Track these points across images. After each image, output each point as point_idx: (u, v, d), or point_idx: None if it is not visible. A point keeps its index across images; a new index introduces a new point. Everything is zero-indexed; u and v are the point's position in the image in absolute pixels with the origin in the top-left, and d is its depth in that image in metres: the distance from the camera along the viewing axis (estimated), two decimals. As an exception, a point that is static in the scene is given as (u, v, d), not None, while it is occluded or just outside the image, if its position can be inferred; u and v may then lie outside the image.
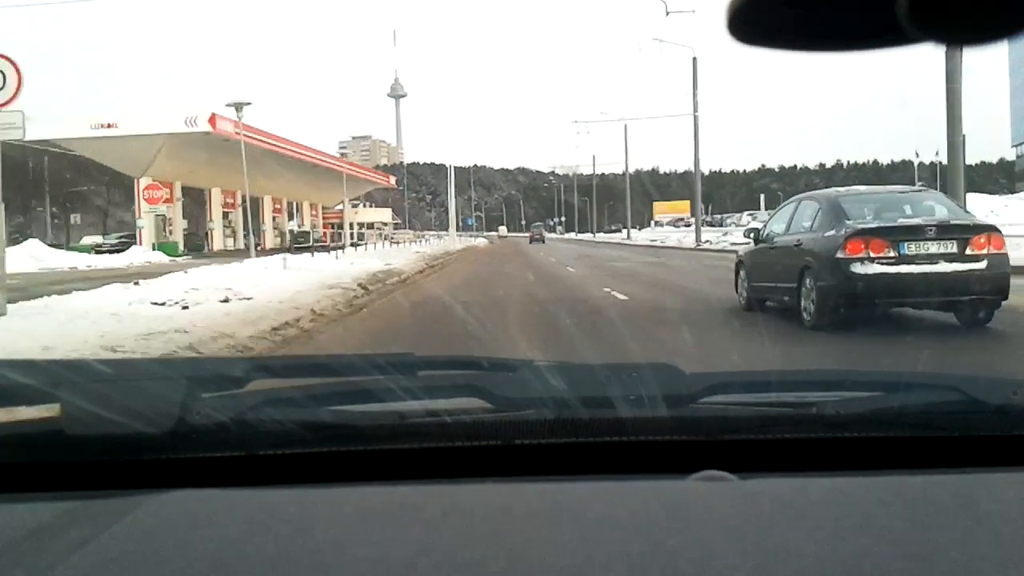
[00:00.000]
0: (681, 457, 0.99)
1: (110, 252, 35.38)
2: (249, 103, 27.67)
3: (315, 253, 23.58)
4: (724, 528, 0.76)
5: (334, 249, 30.22)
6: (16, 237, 36.89)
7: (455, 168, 62.32)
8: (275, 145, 43.80)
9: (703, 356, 5.81)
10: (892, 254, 7.15)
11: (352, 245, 38.98)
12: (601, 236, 72.20)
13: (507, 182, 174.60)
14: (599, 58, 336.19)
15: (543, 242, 55.83)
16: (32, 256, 27.77)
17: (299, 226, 57.04)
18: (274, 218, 55.82)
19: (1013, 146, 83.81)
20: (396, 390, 1.06)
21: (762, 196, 53.34)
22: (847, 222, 7.50)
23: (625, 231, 62.12)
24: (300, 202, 61.72)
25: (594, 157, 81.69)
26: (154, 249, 36.10)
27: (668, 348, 6.33)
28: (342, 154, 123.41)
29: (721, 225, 55.60)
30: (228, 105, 28.12)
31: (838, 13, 0.59)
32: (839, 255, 7.22)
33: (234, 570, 0.72)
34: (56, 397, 1.01)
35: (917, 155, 73.34)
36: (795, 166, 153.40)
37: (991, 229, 7.52)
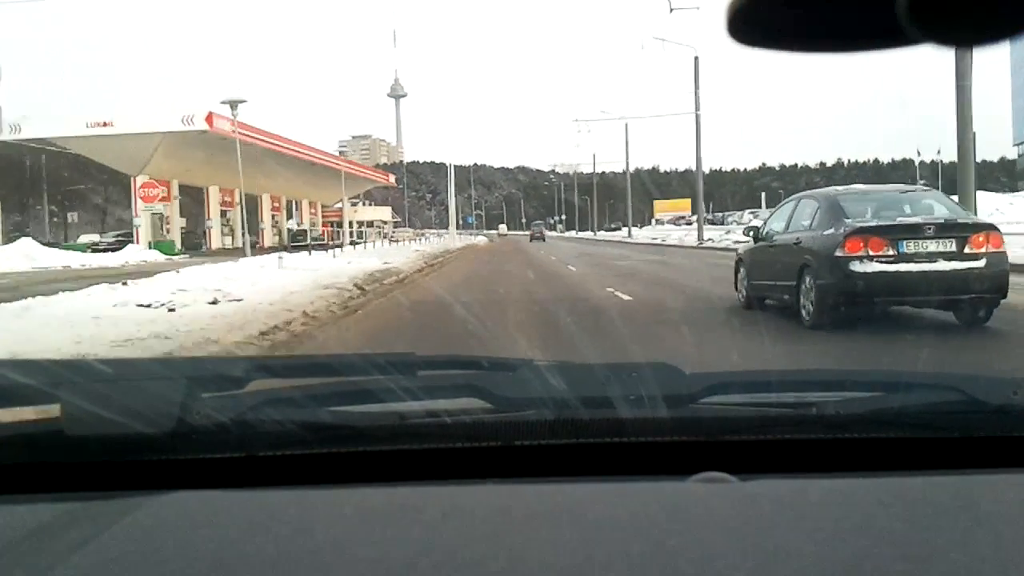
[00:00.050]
0: (681, 458, 0.99)
1: (106, 251, 35.15)
2: (244, 100, 27.60)
3: (312, 252, 23.36)
4: (724, 529, 0.76)
5: (332, 248, 29.88)
6: (16, 236, 36.89)
7: (455, 167, 62.45)
8: (273, 143, 43.73)
9: (722, 362, 5.42)
10: (891, 252, 7.15)
11: (351, 243, 38.89)
12: (602, 234, 72.25)
13: (507, 181, 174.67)
14: (599, 58, 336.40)
15: (543, 240, 55.82)
16: (25, 255, 27.59)
17: (298, 224, 57.00)
18: (273, 216, 55.78)
19: (1014, 145, 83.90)
20: (396, 390, 1.06)
21: (763, 195, 53.38)
22: (846, 220, 7.50)
23: (625, 229, 62.13)
24: (299, 200, 61.71)
25: (594, 156, 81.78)
26: (150, 248, 35.94)
27: (681, 354, 6.06)
28: (341, 153, 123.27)
29: (723, 223, 55.56)
30: (223, 103, 28.09)
31: (838, 14, 0.59)
32: (838, 253, 7.22)
33: (234, 571, 0.72)
34: (56, 397, 1.01)
35: (919, 153, 73.14)
36: (796, 165, 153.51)
37: (990, 228, 7.53)
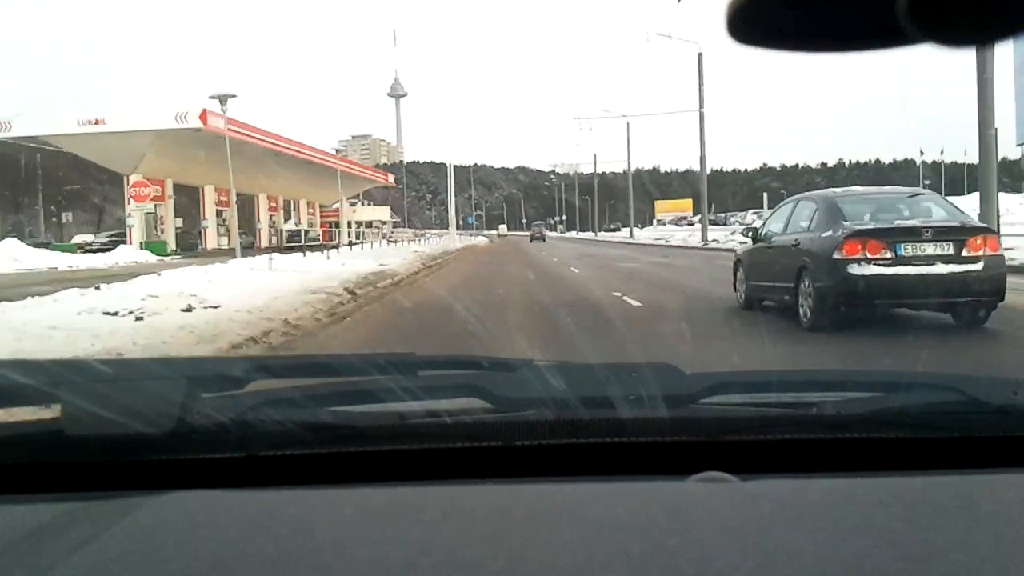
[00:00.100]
0: (681, 458, 0.99)
1: (99, 251, 34.65)
2: (233, 95, 27.10)
3: (307, 253, 23.04)
4: (724, 529, 0.76)
5: (328, 248, 29.14)
6: (12, 236, 36.72)
7: (455, 167, 62.38)
8: (270, 142, 43.51)
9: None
10: (889, 255, 7.16)
11: (349, 244, 38.69)
12: (602, 235, 72.15)
13: (507, 181, 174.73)
14: (600, 57, 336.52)
15: (544, 241, 55.80)
16: (9, 256, 26.87)
17: (296, 224, 56.91)
18: (270, 216, 55.65)
19: (1018, 145, 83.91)
20: (396, 390, 1.07)
21: (765, 195, 53.37)
22: (844, 223, 7.51)
23: (626, 230, 62.03)
24: (297, 200, 61.60)
25: (595, 155, 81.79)
26: (142, 248, 35.40)
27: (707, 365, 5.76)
28: (339, 152, 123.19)
29: (725, 224, 55.50)
30: (211, 97, 27.50)
31: (838, 13, 0.59)
32: (836, 256, 7.23)
33: (234, 571, 0.72)
34: (56, 397, 1.01)
35: (921, 153, 73.32)
36: (796, 165, 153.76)
37: (987, 231, 7.59)
